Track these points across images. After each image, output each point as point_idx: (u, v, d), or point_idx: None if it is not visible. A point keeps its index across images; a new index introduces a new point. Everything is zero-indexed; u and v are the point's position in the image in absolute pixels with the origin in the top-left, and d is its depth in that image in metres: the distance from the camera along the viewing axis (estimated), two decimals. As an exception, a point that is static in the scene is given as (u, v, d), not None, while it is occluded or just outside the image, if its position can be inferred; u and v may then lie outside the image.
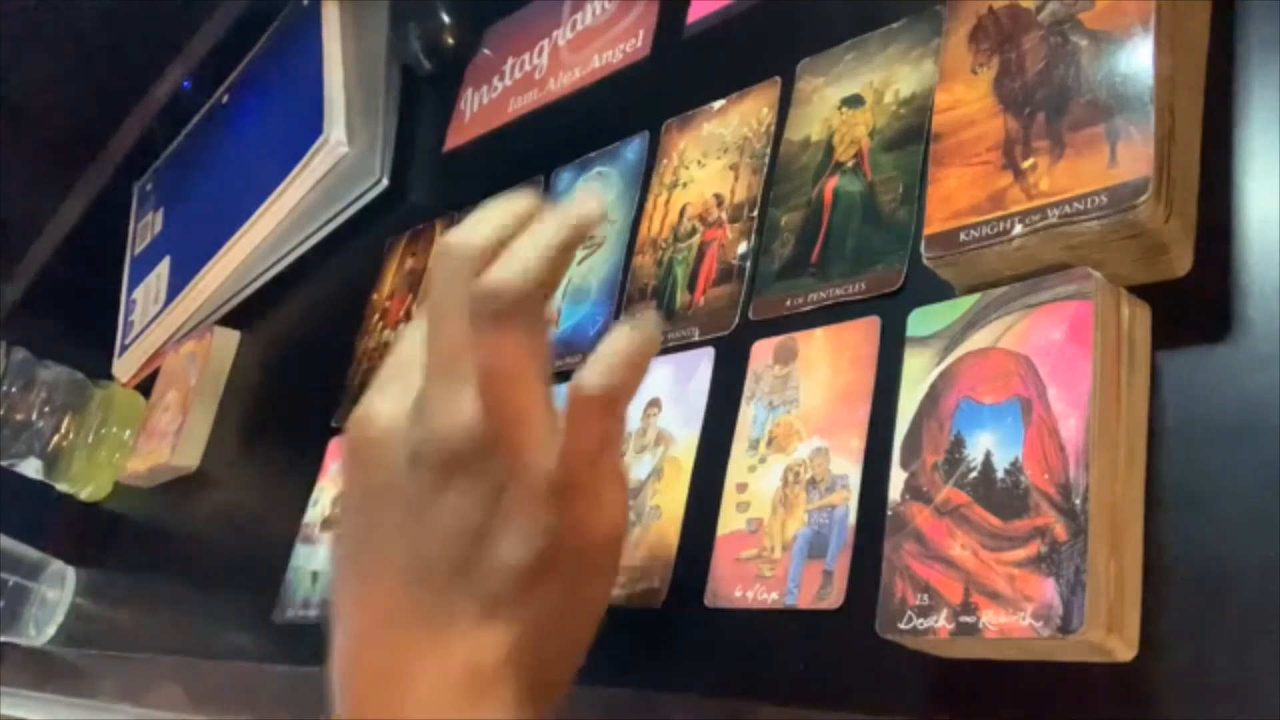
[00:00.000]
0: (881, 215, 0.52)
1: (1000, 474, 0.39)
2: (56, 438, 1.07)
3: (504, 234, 0.38)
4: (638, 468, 0.56)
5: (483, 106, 0.86)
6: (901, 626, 0.39)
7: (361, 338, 0.84)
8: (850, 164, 0.55)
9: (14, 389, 1.06)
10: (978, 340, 0.41)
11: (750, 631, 0.48)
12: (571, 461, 0.37)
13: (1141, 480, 0.38)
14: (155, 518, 1.01)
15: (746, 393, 0.53)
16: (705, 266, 0.59)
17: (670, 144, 0.66)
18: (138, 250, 1.23)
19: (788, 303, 0.54)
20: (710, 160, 0.63)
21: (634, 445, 0.57)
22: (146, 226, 1.23)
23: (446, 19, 0.90)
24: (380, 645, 0.38)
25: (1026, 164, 0.41)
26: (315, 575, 0.75)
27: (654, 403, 0.58)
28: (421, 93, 0.94)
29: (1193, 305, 0.40)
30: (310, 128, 0.94)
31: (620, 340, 0.37)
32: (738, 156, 0.61)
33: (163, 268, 1.13)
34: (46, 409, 1.07)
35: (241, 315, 1.02)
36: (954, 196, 0.43)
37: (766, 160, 0.59)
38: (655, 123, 0.68)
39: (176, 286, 1.08)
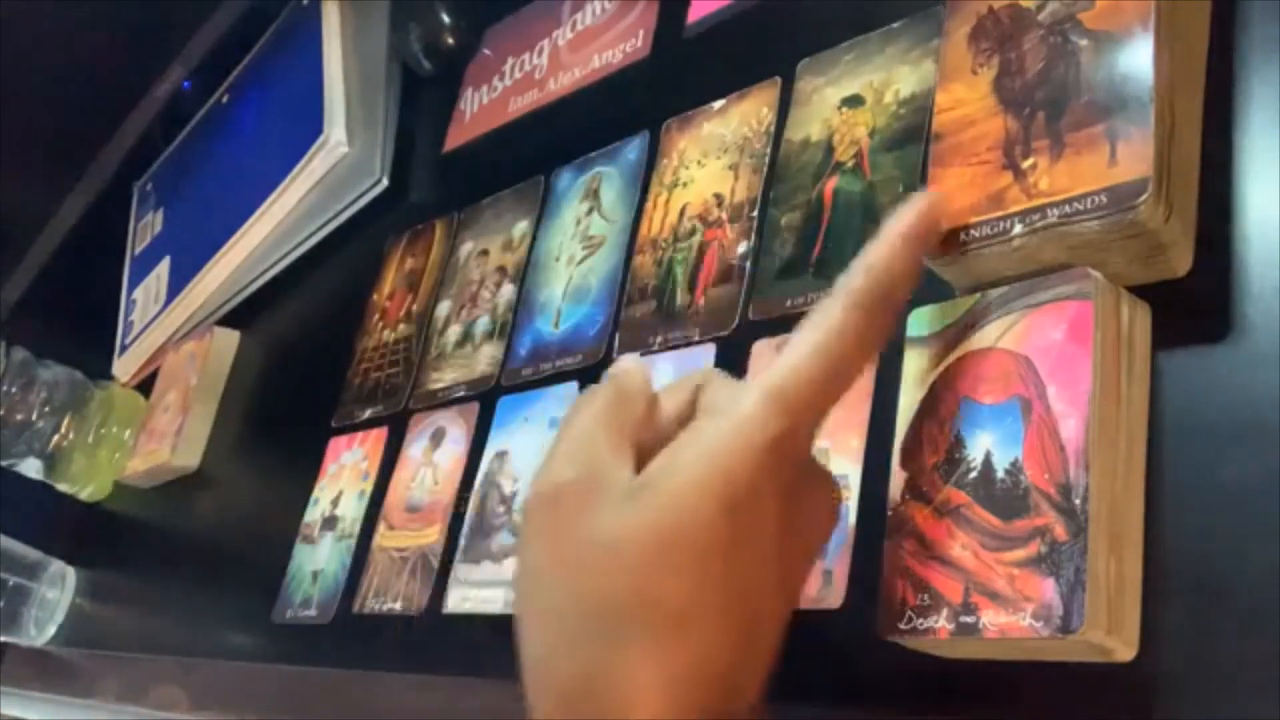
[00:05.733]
0: (881, 215, 0.52)
1: (1000, 474, 0.39)
2: (56, 438, 1.07)
3: None
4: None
5: (483, 106, 0.86)
6: (901, 626, 0.39)
7: (361, 338, 0.84)
8: (850, 164, 0.55)
9: (14, 389, 1.06)
10: (978, 340, 0.41)
11: (750, 631, 0.48)
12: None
13: (1141, 480, 0.38)
14: (155, 518, 1.01)
15: (746, 393, 0.53)
16: (705, 266, 0.59)
17: (670, 144, 0.66)
18: (138, 250, 1.23)
19: (788, 303, 0.54)
20: (710, 160, 0.63)
21: (634, 445, 0.57)
22: (146, 226, 1.23)
23: (446, 19, 0.90)
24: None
25: (1026, 164, 0.41)
26: (315, 575, 0.75)
27: (654, 402, 0.58)
28: (421, 93, 0.94)
29: (1193, 305, 0.40)
30: (310, 128, 0.94)
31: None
32: (738, 156, 0.61)
33: (163, 268, 1.13)
34: (46, 409, 1.07)
35: (241, 315, 1.02)
36: (954, 196, 0.43)
37: (766, 160, 0.59)
38: (655, 123, 0.68)
39: (176, 286, 1.08)
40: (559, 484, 0.37)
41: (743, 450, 0.35)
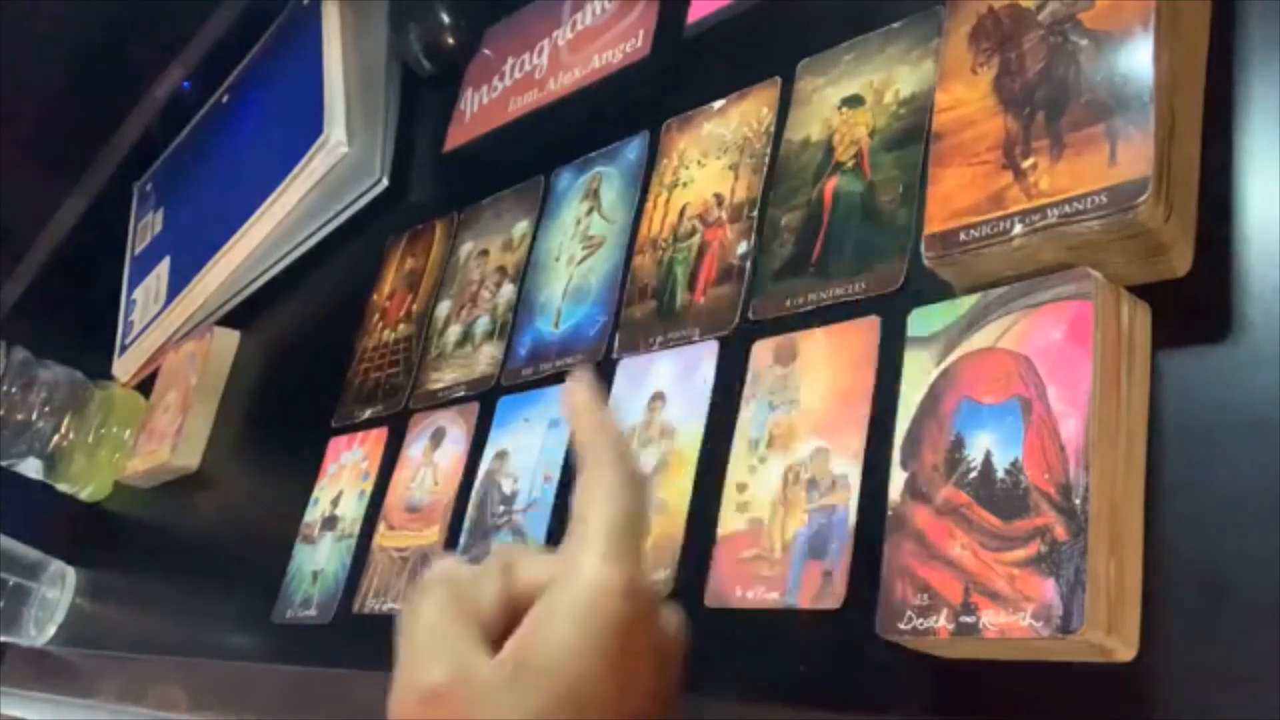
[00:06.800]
0: (881, 215, 0.52)
1: (1000, 474, 0.39)
2: (56, 438, 1.07)
3: None
4: (642, 461, 0.56)
5: (483, 106, 0.86)
6: (901, 626, 0.39)
7: (361, 338, 0.84)
8: (850, 164, 0.55)
9: (14, 389, 1.06)
10: (978, 340, 0.41)
11: (750, 631, 0.48)
12: None
13: (1141, 480, 0.38)
14: (155, 518, 1.01)
15: (747, 393, 0.53)
16: (705, 266, 0.59)
17: (670, 144, 0.66)
18: (138, 250, 1.23)
19: (788, 303, 0.54)
20: (710, 160, 0.63)
21: (639, 438, 0.57)
22: (146, 226, 1.23)
23: (446, 19, 0.90)
24: None
25: (1026, 164, 0.41)
26: (315, 575, 0.75)
27: (658, 396, 0.58)
28: (421, 93, 0.94)
29: (1193, 305, 0.40)
30: (310, 128, 0.94)
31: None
32: (738, 156, 0.61)
33: (163, 268, 1.13)
34: (46, 409, 1.07)
35: (241, 315, 1.02)
36: (954, 196, 0.43)
37: (766, 160, 0.59)
38: (655, 123, 0.68)
39: (176, 286, 1.08)
40: (431, 686, 0.37)
41: (605, 607, 0.37)
